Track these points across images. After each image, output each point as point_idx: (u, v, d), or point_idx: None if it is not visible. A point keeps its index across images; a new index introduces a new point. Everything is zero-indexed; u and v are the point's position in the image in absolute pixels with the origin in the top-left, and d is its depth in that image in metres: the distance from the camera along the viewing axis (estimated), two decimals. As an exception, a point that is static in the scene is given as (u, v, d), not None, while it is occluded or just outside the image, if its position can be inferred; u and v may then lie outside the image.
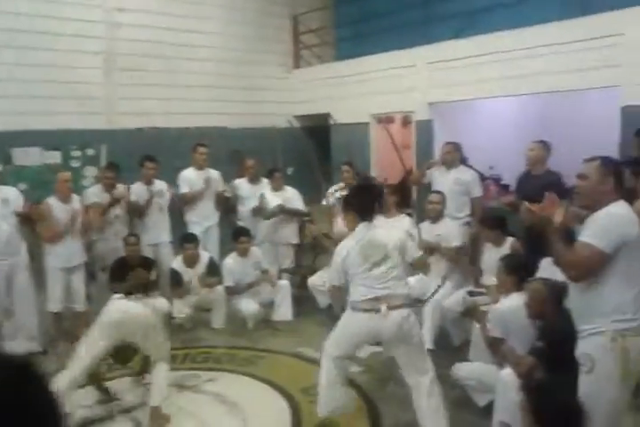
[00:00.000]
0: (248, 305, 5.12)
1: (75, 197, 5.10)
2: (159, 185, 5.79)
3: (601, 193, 2.45)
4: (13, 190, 4.83)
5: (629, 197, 2.73)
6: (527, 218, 2.57)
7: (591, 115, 6.77)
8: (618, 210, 2.42)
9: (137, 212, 5.65)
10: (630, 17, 5.41)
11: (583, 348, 2.40)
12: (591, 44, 5.69)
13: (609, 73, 5.62)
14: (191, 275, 5.19)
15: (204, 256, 5.34)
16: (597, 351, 2.33)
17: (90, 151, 7.00)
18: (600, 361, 2.31)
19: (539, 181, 4.74)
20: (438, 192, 4.88)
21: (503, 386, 3.02)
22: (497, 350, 3.27)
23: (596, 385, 2.30)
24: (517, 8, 6.67)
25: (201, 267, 5.25)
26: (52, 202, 4.91)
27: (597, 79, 5.71)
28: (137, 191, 5.69)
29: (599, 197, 2.46)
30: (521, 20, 6.24)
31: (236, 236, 5.34)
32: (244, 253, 5.27)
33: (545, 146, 4.84)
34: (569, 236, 2.63)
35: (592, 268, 2.34)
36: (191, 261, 5.23)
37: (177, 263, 5.26)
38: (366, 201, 3.29)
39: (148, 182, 5.75)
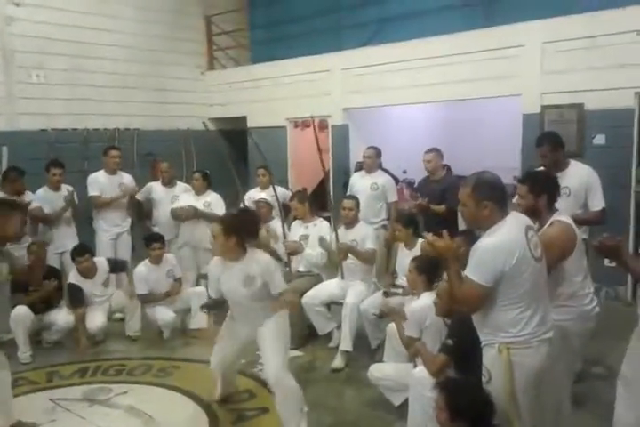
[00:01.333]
0: (164, 314, 4.96)
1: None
2: (65, 191, 5.55)
3: (481, 218, 2.42)
4: None
5: (531, 215, 2.74)
6: (427, 250, 2.58)
7: (496, 121, 7.15)
8: (493, 240, 2.36)
9: (46, 220, 5.40)
10: (530, 30, 5.76)
11: (483, 358, 2.48)
12: (493, 55, 6.02)
13: (509, 82, 5.96)
14: (90, 286, 4.93)
15: (103, 264, 5.08)
16: (491, 363, 2.41)
17: (-11, 153, 6.56)
18: (494, 373, 2.40)
19: (438, 186, 5.04)
20: (351, 197, 4.95)
21: (416, 383, 3.10)
22: (412, 348, 3.36)
23: (494, 395, 2.36)
24: (425, 18, 6.92)
25: (100, 277, 5.00)
26: None
27: (499, 88, 6.04)
28: (45, 197, 5.42)
29: (481, 223, 2.45)
30: (428, 29, 6.49)
31: (148, 242, 5.13)
32: (157, 260, 5.10)
33: (438, 153, 5.18)
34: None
35: (479, 301, 2.38)
36: (88, 273, 4.96)
37: (73, 276, 4.96)
38: (251, 226, 3.37)
39: (56, 189, 5.47)
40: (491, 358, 2.42)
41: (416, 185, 5.92)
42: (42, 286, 4.74)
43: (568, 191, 3.75)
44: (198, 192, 5.73)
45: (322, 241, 4.79)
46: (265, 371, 3.42)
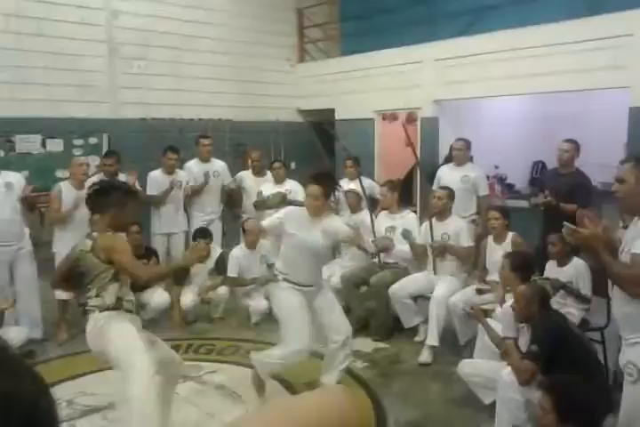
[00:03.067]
0: (257, 302, 5.11)
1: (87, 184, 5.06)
2: (181, 176, 5.82)
3: None
4: (18, 176, 4.77)
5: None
6: (571, 239, 2.33)
7: (598, 115, 6.79)
8: None
9: (157, 201, 5.70)
10: (639, 18, 5.40)
11: (628, 356, 2.29)
12: (599, 45, 5.69)
13: (617, 74, 5.61)
14: (199, 269, 5.13)
15: (216, 251, 5.29)
16: None
17: (92, 140, 6.94)
18: None
19: (567, 181, 4.70)
20: (446, 188, 4.85)
21: (504, 386, 3.02)
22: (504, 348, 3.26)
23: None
24: (525, 6, 6.66)
25: (211, 262, 5.20)
26: (64, 187, 4.88)
27: (605, 80, 5.71)
28: (157, 180, 5.72)
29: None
30: (528, 18, 6.23)
31: (244, 227, 5.29)
32: (252, 245, 5.23)
33: (576, 145, 4.82)
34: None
35: None
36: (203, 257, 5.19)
37: None
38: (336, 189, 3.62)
39: (169, 173, 5.73)
40: None
41: (537, 175, 5.58)
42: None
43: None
44: (278, 181, 5.83)
45: (405, 233, 4.74)
46: (338, 329, 3.57)
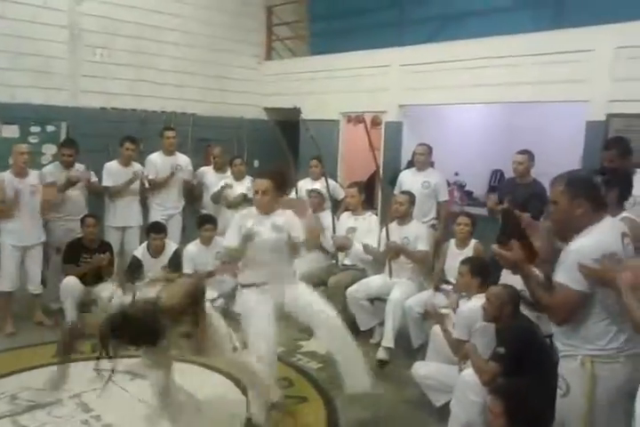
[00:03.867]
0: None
1: (32, 172, 4.89)
2: (137, 167, 5.67)
3: (573, 218, 2.22)
4: None
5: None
6: (500, 261, 2.29)
7: (557, 127, 6.96)
8: (588, 241, 2.18)
9: (115, 193, 5.55)
10: (602, 34, 5.57)
11: (560, 368, 2.31)
12: (561, 58, 5.83)
13: (577, 87, 5.77)
14: (153, 264, 5.02)
15: (171, 247, 5.19)
16: (571, 375, 2.24)
17: (50, 128, 6.70)
18: (573, 386, 2.22)
19: (525, 190, 4.80)
20: (407, 193, 4.89)
21: (463, 386, 3.04)
22: (460, 351, 3.30)
23: (568, 408, 2.23)
24: (491, 17, 6.75)
25: (165, 257, 5.09)
26: (6, 176, 4.69)
27: (565, 93, 5.86)
28: (113, 171, 5.55)
29: (573, 223, 2.24)
30: (493, 28, 6.32)
31: (200, 223, 5.22)
32: (207, 241, 5.16)
33: (530, 156, 4.93)
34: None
35: (573, 311, 2.19)
36: (157, 251, 5.08)
37: (141, 251, 5.09)
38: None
39: (126, 164, 5.58)
40: (571, 371, 2.24)
41: (496, 183, 5.69)
42: (93, 259, 4.86)
43: (633, 201, 3.61)
44: (238, 178, 5.79)
45: (366, 248, 4.74)
46: (319, 316, 3.41)
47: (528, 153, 4.92)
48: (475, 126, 7.87)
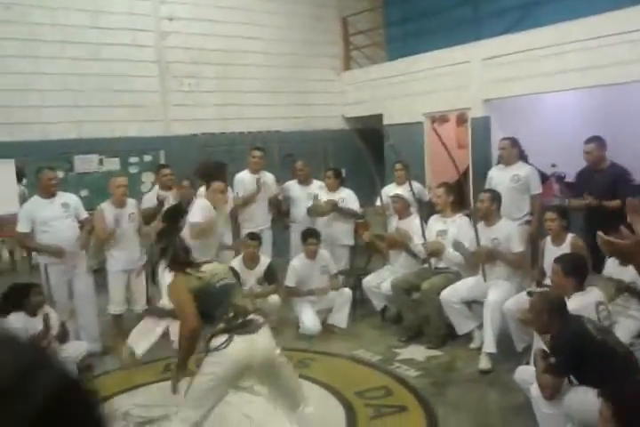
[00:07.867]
0: (310, 322, 4.99)
1: (130, 201, 5.20)
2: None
3: None
4: (73, 196, 5.00)
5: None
6: (605, 250, 2.09)
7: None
8: None
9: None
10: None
11: None
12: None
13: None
14: (248, 276, 5.15)
15: (265, 260, 5.31)
16: None
17: (147, 157, 7.17)
18: None
19: (604, 177, 4.48)
20: (489, 190, 4.68)
21: (535, 400, 2.93)
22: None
23: None
24: (567, 1, 6.40)
25: (259, 270, 5.22)
26: (105, 206, 5.04)
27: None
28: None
29: None
30: (574, 11, 5.98)
31: (304, 237, 5.23)
32: (311, 255, 5.19)
33: (599, 143, 4.61)
34: None
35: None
36: (251, 261, 5.19)
37: (236, 262, 5.23)
38: None
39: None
40: None
41: (573, 179, 5.42)
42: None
43: None
44: (331, 189, 5.84)
45: (457, 244, 4.57)
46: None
47: (596, 141, 4.61)
48: (569, 113, 7.40)
